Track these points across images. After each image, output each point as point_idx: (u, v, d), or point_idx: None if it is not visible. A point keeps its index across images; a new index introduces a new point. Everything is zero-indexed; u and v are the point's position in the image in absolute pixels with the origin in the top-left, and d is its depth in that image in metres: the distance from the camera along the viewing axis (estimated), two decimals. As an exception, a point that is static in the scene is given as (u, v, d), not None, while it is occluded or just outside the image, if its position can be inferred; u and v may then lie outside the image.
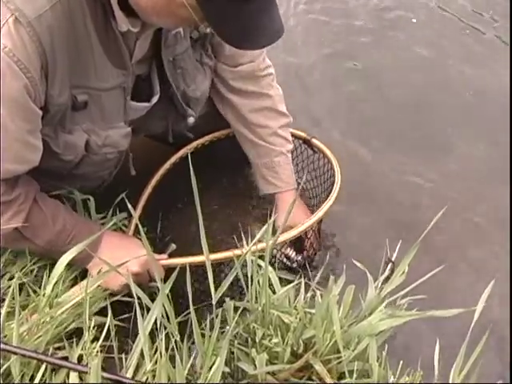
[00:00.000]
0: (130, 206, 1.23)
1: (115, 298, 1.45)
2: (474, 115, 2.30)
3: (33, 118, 1.23)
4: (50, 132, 1.32)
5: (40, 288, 1.40)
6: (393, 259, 1.66)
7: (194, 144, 1.84)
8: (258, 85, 1.69)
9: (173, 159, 1.81)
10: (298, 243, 1.73)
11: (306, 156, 1.89)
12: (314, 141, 1.83)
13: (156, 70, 1.50)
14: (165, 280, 1.25)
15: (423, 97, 2.38)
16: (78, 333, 1.35)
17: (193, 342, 1.26)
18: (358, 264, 1.39)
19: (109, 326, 1.22)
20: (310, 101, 2.32)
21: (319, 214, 1.61)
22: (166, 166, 1.80)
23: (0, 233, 1.32)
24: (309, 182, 1.89)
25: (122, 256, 1.38)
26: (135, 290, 1.20)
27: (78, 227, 1.43)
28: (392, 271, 1.63)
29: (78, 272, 1.49)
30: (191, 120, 1.65)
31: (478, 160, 2.15)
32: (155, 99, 1.53)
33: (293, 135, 1.84)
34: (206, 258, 1.27)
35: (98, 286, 1.41)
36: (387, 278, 1.55)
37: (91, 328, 1.24)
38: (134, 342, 1.26)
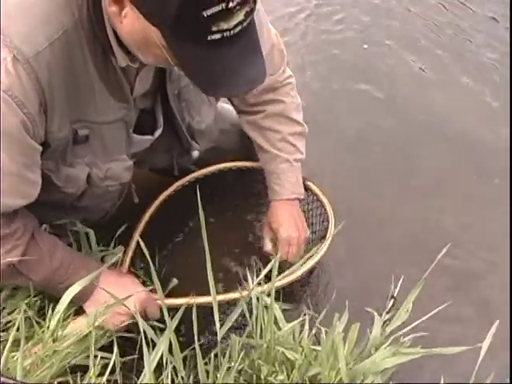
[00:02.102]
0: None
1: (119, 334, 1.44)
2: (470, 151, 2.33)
3: (30, 152, 1.23)
4: (52, 166, 1.32)
5: (44, 320, 1.40)
6: (395, 295, 1.68)
7: (188, 178, 1.80)
8: (276, 94, 1.70)
9: (167, 192, 1.77)
10: None
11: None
12: (310, 184, 1.82)
13: (160, 103, 1.51)
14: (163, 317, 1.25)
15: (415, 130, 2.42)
16: (81, 367, 1.34)
17: (197, 376, 1.26)
18: (369, 309, 1.38)
19: (114, 362, 1.21)
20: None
21: (312, 262, 1.61)
22: (161, 198, 1.76)
23: None
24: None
25: (120, 295, 1.34)
26: (142, 325, 1.21)
27: (75, 265, 1.41)
28: (393, 306, 1.65)
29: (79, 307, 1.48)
30: (196, 154, 1.66)
31: (475, 194, 2.17)
32: (158, 132, 1.53)
33: None
34: (213, 299, 1.26)
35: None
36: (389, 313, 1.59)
37: (97, 363, 1.24)
38: (137, 377, 1.26)
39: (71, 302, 1.39)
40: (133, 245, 1.62)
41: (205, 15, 0.99)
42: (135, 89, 1.37)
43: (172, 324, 1.22)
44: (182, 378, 1.23)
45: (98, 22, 1.18)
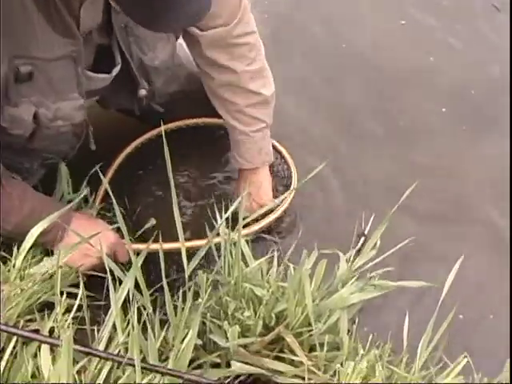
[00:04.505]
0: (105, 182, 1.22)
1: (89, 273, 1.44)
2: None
3: None
4: None
5: (10, 260, 1.40)
6: (365, 232, 1.69)
7: (163, 127, 1.80)
8: (229, 57, 1.60)
9: (140, 140, 1.81)
10: None
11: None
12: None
13: (116, 39, 1.43)
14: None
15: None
16: (50, 305, 1.34)
17: (165, 314, 1.27)
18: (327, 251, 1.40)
19: (81, 298, 1.21)
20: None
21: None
22: (133, 145, 1.80)
23: None
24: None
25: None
26: (108, 262, 1.20)
27: (47, 210, 1.36)
28: (364, 245, 1.67)
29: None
30: (142, 92, 1.57)
31: (431, 127, 2.15)
32: (116, 70, 1.47)
33: None
34: (182, 244, 1.26)
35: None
36: (359, 251, 1.60)
37: (63, 301, 1.23)
38: (105, 315, 1.27)
39: (41, 245, 1.41)
40: (102, 189, 1.64)
41: None
42: (82, 22, 1.29)
43: (138, 260, 1.21)
44: (149, 314, 1.23)
45: None
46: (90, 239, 1.29)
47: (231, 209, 1.33)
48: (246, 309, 1.28)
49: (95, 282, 1.44)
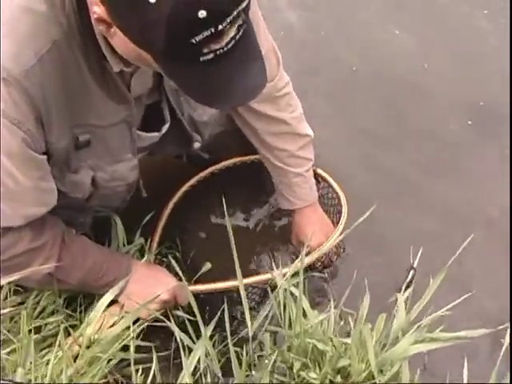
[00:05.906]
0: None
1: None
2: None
3: (39, 165, 1.25)
4: (56, 172, 1.32)
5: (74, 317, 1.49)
6: (414, 266, 1.71)
7: (210, 169, 1.87)
8: (276, 107, 1.64)
9: (188, 184, 1.84)
10: None
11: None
12: (319, 171, 1.86)
13: (166, 98, 1.48)
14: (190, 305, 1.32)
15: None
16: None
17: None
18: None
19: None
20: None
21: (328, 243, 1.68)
22: (182, 189, 1.83)
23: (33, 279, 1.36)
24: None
25: (152, 284, 1.48)
26: (178, 334, 1.26)
27: (108, 261, 1.46)
28: (413, 278, 1.70)
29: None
30: (196, 145, 1.65)
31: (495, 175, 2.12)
32: (165, 128, 1.52)
33: None
34: (240, 282, 1.31)
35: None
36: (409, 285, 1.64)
37: (139, 374, 1.29)
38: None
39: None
40: (157, 235, 1.68)
41: (194, 42, 0.95)
42: (132, 89, 1.34)
43: (207, 331, 1.27)
44: (219, 377, 1.29)
45: (87, 32, 1.15)
46: (150, 287, 1.44)
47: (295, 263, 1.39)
48: (311, 368, 1.32)
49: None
